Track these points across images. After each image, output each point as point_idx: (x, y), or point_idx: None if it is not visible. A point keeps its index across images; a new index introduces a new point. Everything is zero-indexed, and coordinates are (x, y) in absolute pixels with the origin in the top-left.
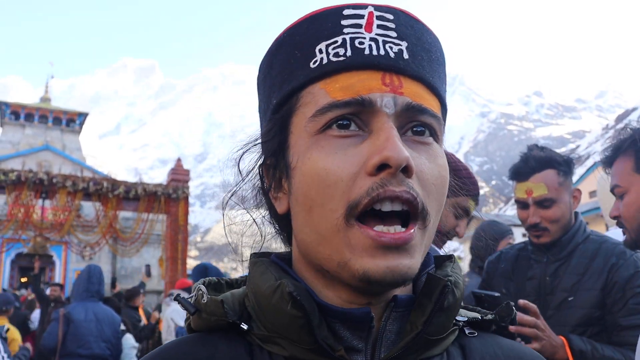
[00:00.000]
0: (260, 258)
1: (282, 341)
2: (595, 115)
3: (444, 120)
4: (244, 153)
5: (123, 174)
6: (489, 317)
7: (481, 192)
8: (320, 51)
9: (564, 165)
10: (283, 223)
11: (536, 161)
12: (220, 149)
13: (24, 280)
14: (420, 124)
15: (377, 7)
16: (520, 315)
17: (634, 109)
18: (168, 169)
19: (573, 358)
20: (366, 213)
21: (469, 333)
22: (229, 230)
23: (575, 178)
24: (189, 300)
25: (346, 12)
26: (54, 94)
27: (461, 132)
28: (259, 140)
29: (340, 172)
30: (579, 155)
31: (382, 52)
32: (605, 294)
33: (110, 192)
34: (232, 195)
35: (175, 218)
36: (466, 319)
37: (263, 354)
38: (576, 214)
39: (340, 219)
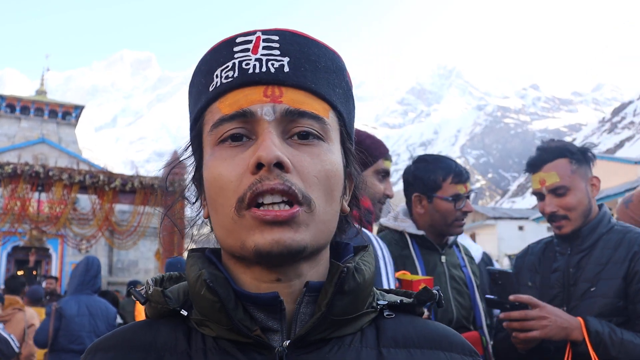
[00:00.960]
0: (194, 252)
1: (211, 324)
2: (591, 109)
3: (342, 118)
4: (171, 169)
5: (119, 166)
6: (409, 300)
7: (478, 185)
8: (217, 76)
9: (578, 154)
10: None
11: (548, 152)
12: None
13: (20, 273)
14: (303, 130)
15: (265, 32)
16: (507, 312)
17: (630, 102)
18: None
19: (589, 339)
20: (254, 207)
21: (387, 315)
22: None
23: None
24: (140, 291)
25: (238, 39)
26: (51, 86)
27: (458, 125)
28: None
29: (230, 174)
30: None
31: (264, 69)
32: (627, 283)
33: (107, 185)
34: (168, 209)
35: (172, 211)
36: (386, 302)
37: (197, 335)
38: (601, 205)
39: (233, 211)
